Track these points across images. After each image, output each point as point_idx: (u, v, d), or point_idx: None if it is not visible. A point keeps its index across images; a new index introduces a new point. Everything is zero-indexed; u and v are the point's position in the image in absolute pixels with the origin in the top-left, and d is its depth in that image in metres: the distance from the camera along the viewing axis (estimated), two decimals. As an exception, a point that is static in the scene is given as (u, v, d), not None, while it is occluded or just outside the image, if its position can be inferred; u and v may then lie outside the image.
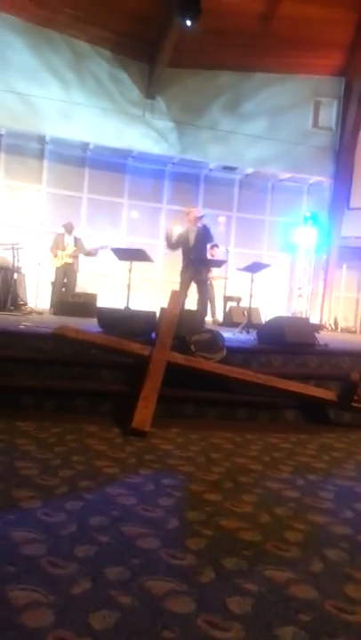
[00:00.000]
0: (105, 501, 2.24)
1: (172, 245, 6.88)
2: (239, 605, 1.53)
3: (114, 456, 2.86)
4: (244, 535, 2.00)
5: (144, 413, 3.40)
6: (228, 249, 10.00)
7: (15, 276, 7.02)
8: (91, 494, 2.30)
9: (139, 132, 10.13)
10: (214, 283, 9.15)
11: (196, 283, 6.80)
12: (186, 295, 6.81)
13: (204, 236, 6.81)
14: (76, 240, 8.73)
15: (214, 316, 9.06)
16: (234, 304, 9.09)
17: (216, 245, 9.51)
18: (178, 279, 6.83)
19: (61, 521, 2.00)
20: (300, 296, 11.38)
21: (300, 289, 11.41)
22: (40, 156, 10.41)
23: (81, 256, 8.74)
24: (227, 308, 9.15)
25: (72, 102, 9.62)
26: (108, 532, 1.92)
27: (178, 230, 6.97)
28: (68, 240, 8.65)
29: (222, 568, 1.74)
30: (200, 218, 6.78)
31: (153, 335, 4.56)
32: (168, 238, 6.83)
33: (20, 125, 9.43)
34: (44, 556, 1.71)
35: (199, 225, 6.76)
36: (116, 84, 9.97)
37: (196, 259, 6.76)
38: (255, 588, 1.63)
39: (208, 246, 9.16)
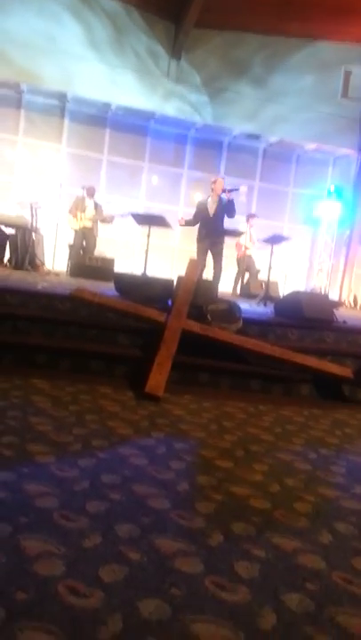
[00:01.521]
0: (117, 461, 2.26)
1: (190, 222, 6.77)
2: (246, 570, 1.54)
3: (127, 418, 2.88)
4: (254, 502, 2.01)
5: (158, 379, 3.41)
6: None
7: (33, 235, 6.99)
8: (103, 453, 2.32)
9: (162, 94, 9.86)
10: (248, 252, 9.06)
11: (213, 254, 6.68)
12: (204, 265, 6.70)
13: (228, 208, 6.62)
14: (97, 205, 8.63)
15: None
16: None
17: (255, 215, 9.38)
18: (193, 248, 6.73)
19: (74, 477, 2.02)
20: (320, 271, 11.21)
21: (320, 264, 11.23)
22: (61, 114, 10.21)
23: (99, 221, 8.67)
24: (244, 280, 9.07)
25: (95, 60, 9.36)
26: (119, 490, 1.95)
27: (197, 198, 6.82)
28: (89, 203, 8.55)
29: (231, 532, 1.76)
30: (229, 191, 6.55)
31: (169, 302, 4.53)
32: (185, 222, 6.66)
33: (42, 82, 9.23)
34: (57, 509, 1.74)
35: (224, 196, 6.59)
36: (142, 43, 9.67)
37: (215, 229, 6.61)
38: (263, 554, 1.64)
39: (245, 217, 9.08)
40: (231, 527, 1.79)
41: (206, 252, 6.64)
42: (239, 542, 1.70)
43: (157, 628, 1.24)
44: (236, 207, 6.64)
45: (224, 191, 6.55)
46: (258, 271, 9.04)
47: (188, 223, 6.68)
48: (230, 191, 6.52)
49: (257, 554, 1.64)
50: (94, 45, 9.39)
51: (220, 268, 6.66)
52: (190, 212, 7.00)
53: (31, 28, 8.91)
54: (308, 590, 1.48)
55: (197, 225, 6.65)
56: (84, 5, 9.22)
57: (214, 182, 6.70)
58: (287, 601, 1.41)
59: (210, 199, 6.61)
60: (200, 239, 6.67)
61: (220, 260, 6.65)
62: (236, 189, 6.59)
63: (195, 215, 6.69)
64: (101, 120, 10.42)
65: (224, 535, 1.73)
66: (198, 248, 6.67)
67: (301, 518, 1.93)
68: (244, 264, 9.09)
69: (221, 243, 6.68)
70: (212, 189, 6.65)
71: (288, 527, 1.85)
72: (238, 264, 9.14)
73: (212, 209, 6.55)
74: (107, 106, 10.01)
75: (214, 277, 6.56)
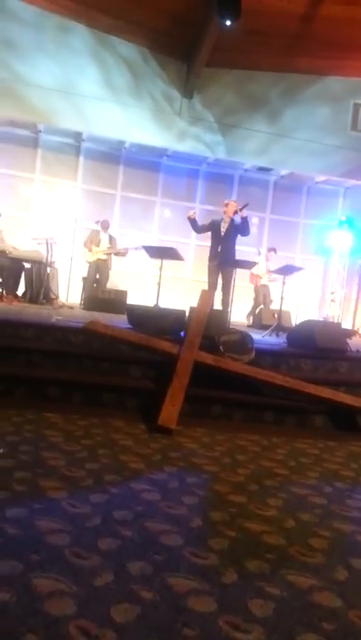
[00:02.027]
0: (129, 496, 2.25)
1: (198, 229, 6.84)
2: (261, 609, 1.51)
3: (139, 452, 2.87)
4: (268, 538, 1.98)
5: (170, 411, 3.40)
6: (261, 251, 9.93)
7: (48, 270, 7.12)
8: (116, 488, 2.31)
9: (174, 132, 10.14)
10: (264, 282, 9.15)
11: (223, 282, 6.72)
12: (215, 286, 6.70)
13: (241, 227, 6.67)
14: (111, 238, 8.82)
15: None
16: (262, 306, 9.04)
17: (274, 249, 9.54)
18: (207, 279, 6.80)
19: (86, 513, 2.01)
20: (332, 301, 11.19)
21: (332, 293, 11.23)
22: (76, 152, 10.54)
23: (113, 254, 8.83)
24: (256, 311, 9.09)
25: (109, 100, 9.69)
26: (131, 527, 1.93)
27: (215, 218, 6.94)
28: (103, 237, 8.74)
29: (245, 570, 1.72)
30: (241, 209, 6.63)
31: (182, 334, 4.55)
32: (192, 220, 6.70)
33: (58, 122, 9.56)
34: (69, 546, 1.73)
35: (236, 218, 6.68)
36: (154, 82, 10.00)
37: (225, 251, 6.67)
38: (278, 592, 1.61)
39: (259, 249, 9.19)
40: (245, 564, 1.76)
41: (218, 274, 6.69)
42: (253, 580, 1.67)
43: (169, 671, 1.21)
44: (250, 227, 6.72)
45: (236, 212, 6.65)
46: (271, 301, 9.08)
47: (195, 223, 6.76)
48: (242, 208, 6.61)
49: (271, 592, 1.60)
50: (109, 86, 9.73)
51: (229, 298, 6.70)
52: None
53: (48, 70, 9.28)
54: (324, 630, 1.44)
55: (203, 236, 6.88)
56: (100, 48, 9.60)
57: (226, 205, 6.85)
58: (303, 642, 1.38)
59: (222, 221, 6.73)
60: (211, 258, 6.76)
61: (229, 289, 6.69)
62: (247, 204, 6.69)
63: (205, 226, 6.81)
64: (115, 157, 10.73)
65: (238, 573, 1.70)
66: (209, 268, 6.75)
67: (317, 554, 1.89)
68: (261, 294, 9.15)
69: (231, 271, 6.73)
70: (225, 212, 6.78)
71: (303, 564, 1.81)
72: (255, 294, 9.20)
73: (223, 229, 6.67)
74: (121, 143, 10.31)
75: (223, 308, 6.59)
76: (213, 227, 6.77)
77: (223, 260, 6.60)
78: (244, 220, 6.62)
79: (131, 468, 2.59)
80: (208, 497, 2.39)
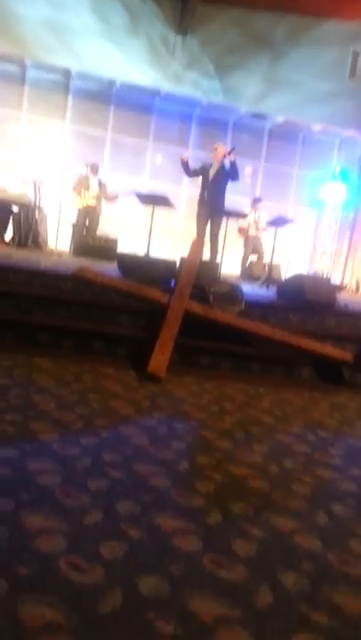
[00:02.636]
0: (119, 440, 2.29)
1: (189, 173, 6.74)
2: (244, 548, 1.57)
3: (129, 397, 2.90)
4: (253, 483, 2.04)
5: (160, 359, 3.43)
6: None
7: (36, 213, 6.95)
8: (105, 432, 2.35)
9: (167, 71, 9.66)
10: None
11: (210, 234, 6.63)
12: (205, 233, 6.65)
13: (231, 172, 6.55)
14: (101, 183, 8.57)
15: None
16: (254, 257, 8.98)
17: (260, 200, 9.30)
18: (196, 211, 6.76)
19: (76, 455, 2.05)
20: (323, 254, 11.15)
21: (323, 247, 11.17)
22: (65, 90, 10.07)
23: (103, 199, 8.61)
24: (247, 263, 9.04)
25: (100, 37, 9.16)
26: (120, 469, 1.98)
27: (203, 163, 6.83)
28: (93, 181, 8.49)
29: (229, 512, 1.79)
30: (229, 153, 6.51)
31: (172, 283, 4.53)
32: (184, 164, 6.60)
33: (46, 57, 9.06)
34: (59, 486, 1.77)
35: (226, 162, 6.55)
36: (147, 19, 9.42)
37: (213, 197, 6.55)
38: (260, 533, 1.67)
39: (250, 201, 9.03)
40: (230, 507, 1.82)
41: (207, 220, 6.62)
42: (237, 522, 1.73)
43: (156, 604, 1.27)
44: (238, 169, 6.60)
45: (225, 156, 6.52)
46: (263, 253, 9.00)
47: (187, 167, 6.67)
48: (230, 152, 6.49)
49: (255, 533, 1.66)
50: (100, 21, 9.16)
51: (217, 247, 6.65)
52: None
53: (37, 2, 8.70)
54: (303, 570, 1.51)
55: (194, 180, 6.79)
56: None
57: (215, 149, 6.72)
58: (283, 580, 1.44)
59: (211, 167, 6.62)
60: (199, 204, 6.70)
61: (217, 238, 6.63)
62: (234, 147, 6.58)
63: (196, 170, 6.73)
64: (106, 97, 10.27)
65: (222, 514, 1.76)
66: (198, 215, 6.68)
67: (299, 499, 1.96)
68: (251, 246, 9.05)
69: (220, 220, 6.64)
70: (214, 157, 6.66)
71: (285, 508, 1.88)
72: (245, 247, 9.11)
73: (211, 173, 6.57)
74: (111, 82, 9.86)
75: (211, 257, 6.55)
76: (203, 172, 6.64)
77: (211, 207, 6.52)
78: (233, 165, 6.48)
79: (120, 414, 2.63)
80: (195, 442, 2.45)
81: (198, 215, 6.68)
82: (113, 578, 1.34)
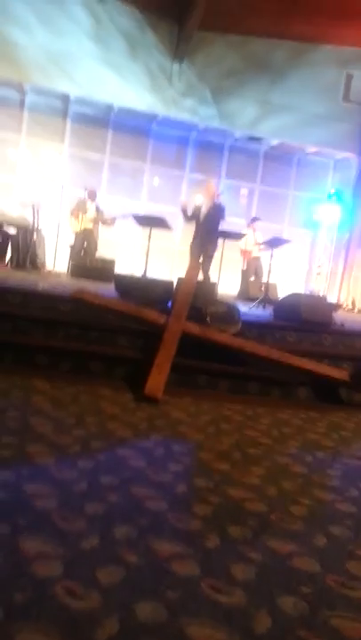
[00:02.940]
0: (116, 462, 2.28)
1: (187, 218, 7.10)
2: (242, 572, 1.56)
3: (126, 419, 2.90)
4: (251, 505, 2.03)
5: (157, 380, 3.43)
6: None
7: (35, 235, 7.01)
8: (102, 454, 2.34)
9: (164, 96, 9.89)
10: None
11: (203, 257, 6.94)
12: (199, 267, 6.88)
13: (216, 214, 6.88)
14: (98, 208, 8.68)
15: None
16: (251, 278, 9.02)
17: (257, 219, 9.41)
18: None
19: (73, 478, 2.04)
20: (318, 274, 11.23)
21: (319, 267, 11.25)
22: (63, 115, 10.23)
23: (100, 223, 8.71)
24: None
25: (98, 62, 9.38)
26: (117, 492, 1.97)
27: (198, 200, 7.05)
28: (90, 207, 8.60)
29: (227, 535, 1.77)
30: (218, 195, 6.85)
31: (169, 304, 4.55)
32: (183, 210, 7.04)
33: (45, 82, 9.24)
34: (55, 510, 1.76)
35: (215, 201, 6.85)
36: (144, 45, 9.68)
37: (206, 235, 6.93)
38: (259, 557, 1.66)
39: (247, 221, 9.26)
40: (228, 530, 1.81)
41: (199, 255, 6.84)
42: (235, 545, 1.72)
43: (153, 631, 1.25)
44: (224, 212, 7.00)
45: (214, 196, 6.86)
46: (262, 275, 9.03)
47: (185, 214, 7.03)
48: (218, 194, 6.84)
49: (253, 557, 1.65)
50: (98, 47, 9.41)
51: (209, 266, 6.87)
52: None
53: (36, 29, 8.93)
54: (302, 593, 1.49)
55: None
56: (90, 8, 9.24)
57: (207, 186, 7.03)
58: (282, 604, 1.43)
59: (204, 204, 6.90)
60: (192, 242, 7.02)
61: (209, 263, 6.89)
62: (221, 193, 7.08)
63: (193, 214, 7.04)
64: (104, 122, 10.45)
65: (220, 538, 1.75)
66: (190, 250, 6.94)
67: (297, 521, 1.95)
68: (253, 268, 9.05)
69: (213, 248, 6.91)
70: (206, 193, 7.01)
71: (284, 530, 1.87)
72: (247, 268, 9.12)
73: (203, 213, 6.83)
74: (109, 107, 10.04)
75: (204, 276, 6.73)
76: (197, 212, 6.97)
77: (204, 241, 6.81)
78: (219, 206, 6.92)
79: (117, 436, 2.62)
80: (193, 464, 2.44)
81: (192, 246, 7.05)
82: (110, 604, 1.33)
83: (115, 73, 9.47)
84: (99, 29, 9.39)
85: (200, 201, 7.03)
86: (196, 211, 6.94)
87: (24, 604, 1.28)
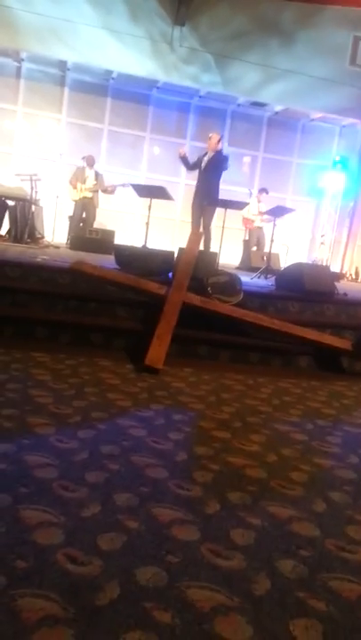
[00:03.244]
0: (116, 432, 2.29)
1: (188, 166, 6.94)
2: (242, 537, 1.58)
3: (126, 390, 2.90)
4: (250, 472, 2.05)
5: (157, 351, 3.42)
6: (252, 191, 9.69)
7: (33, 208, 6.92)
8: (103, 424, 2.35)
9: (165, 62, 9.57)
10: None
11: (203, 220, 6.77)
12: (199, 223, 6.76)
13: (218, 160, 6.70)
14: (97, 175, 8.53)
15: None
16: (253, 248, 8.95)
17: (265, 190, 9.29)
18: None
19: (73, 448, 2.05)
20: (322, 243, 11.11)
21: (322, 236, 11.12)
22: (61, 83, 9.99)
23: (100, 191, 8.58)
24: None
25: (96, 27, 9.07)
26: (118, 461, 1.98)
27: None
28: (89, 174, 8.45)
29: (227, 501, 1.79)
30: (219, 141, 6.71)
31: (170, 275, 4.51)
32: (183, 158, 6.83)
33: (41, 49, 8.97)
34: (56, 479, 1.77)
35: (218, 150, 6.71)
36: (144, 9, 9.35)
37: (204, 188, 6.69)
38: (258, 522, 1.68)
39: (255, 191, 9.11)
40: (228, 496, 1.82)
41: (199, 210, 6.76)
42: (235, 510, 1.73)
43: (154, 595, 1.27)
44: (227, 161, 6.83)
45: (219, 141, 6.74)
46: (264, 245, 8.97)
47: (186, 161, 6.88)
48: (219, 141, 6.76)
49: (252, 522, 1.67)
50: (95, 11, 9.09)
51: (209, 236, 6.74)
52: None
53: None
54: (301, 557, 1.51)
55: (193, 175, 6.99)
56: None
57: (210, 138, 6.84)
58: (281, 567, 1.45)
59: (205, 155, 6.80)
60: (195, 193, 6.89)
61: (209, 228, 6.76)
62: (222, 137, 6.90)
63: (195, 162, 6.90)
64: (102, 89, 10.20)
65: (220, 504, 1.76)
66: (192, 204, 6.88)
67: (297, 487, 1.97)
68: (255, 237, 9.00)
69: (212, 210, 6.76)
70: (209, 145, 6.88)
71: (283, 496, 1.88)
72: (249, 237, 9.05)
73: (204, 162, 6.72)
74: (108, 73, 9.78)
75: (204, 247, 6.61)
76: (199, 161, 6.75)
77: (203, 195, 6.62)
78: (221, 153, 6.72)
79: (118, 406, 2.63)
80: (193, 433, 2.45)
81: (193, 204, 6.79)
82: (111, 569, 1.34)
83: (114, 38, 9.15)
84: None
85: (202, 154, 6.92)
86: (197, 160, 6.84)
87: (26, 571, 1.29)
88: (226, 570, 1.41)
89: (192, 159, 6.95)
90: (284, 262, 8.55)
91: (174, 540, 1.51)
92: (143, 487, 1.80)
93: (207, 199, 6.61)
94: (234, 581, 1.36)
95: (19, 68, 9.72)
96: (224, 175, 6.98)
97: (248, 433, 2.49)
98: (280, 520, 1.70)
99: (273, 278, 5.99)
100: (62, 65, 9.63)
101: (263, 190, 9.37)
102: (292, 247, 10.41)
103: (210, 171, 6.69)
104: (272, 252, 7.31)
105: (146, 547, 1.46)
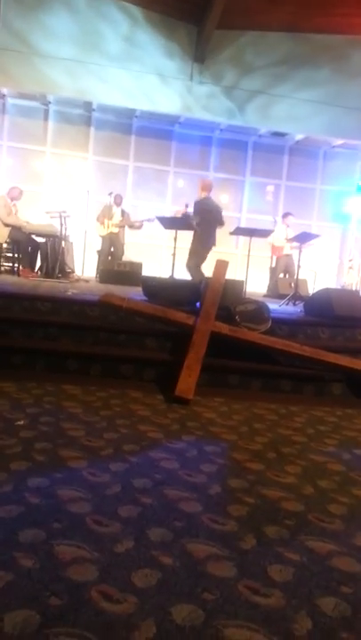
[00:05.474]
0: (148, 465, 2.27)
1: (196, 219, 7.14)
2: (280, 573, 1.52)
3: (157, 421, 2.89)
4: (287, 505, 1.99)
5: (187, 382, 3.41)
6: (277, 219, 9.73)
7: (63, 244, 7.11)
8: (135, 457, 2.34)
9: (186, 98, 9.87)
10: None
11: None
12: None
13: (217, 205, 7.04)
14: (124, 212, 8.77)
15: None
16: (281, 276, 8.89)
17: (290, 214, 9.27)
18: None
19: (106, 481, 2.04)
20: (350, 268, 11.00)
21: (350, 261, 11.02)
22: (87, 123, 10.39)
23: (127, 227, 8.78)
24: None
25: (119, 68, 9.45)
26: (150, 494, 1.96)
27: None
28: (116, 211, 8.68)
29: (263, 536, 1.74)
30: (202, 189, 7.07)
31: (198, 305, 4.53)
32: (187, 216, 7.19)
33: (68, 93, 9.37)
34: (89, 514, 1.76)
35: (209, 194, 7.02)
36: (164, 47, 9.70)
37: (212, 228, 6.96)
38: (297, 557, 1.62)
39: (279, 218, 9.21)
40: (264, 530, 1.77)
41: (209, 249, 7.08)
42: (272, 545, 1.68)
43: (190, 633, 1.23)
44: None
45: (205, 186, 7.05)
46: (294, 272, 8.87)
47: (191, 217, 7.13)
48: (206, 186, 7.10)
49: (290, 557, 1.61)
50: (117, 53, 9.48)
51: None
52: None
53: (56, 39, 9.05)
54: (343, 594, 1.45)
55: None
56: (106, 14, 9.32)
57: (201, 184, 7.28)
58: (322, 605, 1.39)
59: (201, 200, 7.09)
60: (205, 238, 7.12)
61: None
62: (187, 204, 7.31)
63: (195, 213, 7.18)
64: (126, 127, 10.55)
65: (257, 539, 1.71)
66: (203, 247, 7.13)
67: (336, 520, 1.90)
68: (283, 265, 8.87)
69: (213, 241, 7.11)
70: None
71: (322, 530, 1.82)
72: (277, 265, 8.96)
73: (206, 206, 7.03)
74: (131, 112, 10.11)
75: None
76: (202, 209, 7.08)
77: (212, 234, 7.02)
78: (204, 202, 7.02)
79: (149, 438, 2.61)
80: (226, 465, 2.41)
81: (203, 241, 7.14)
82: (146, 607, 1.31)
83: (134, 78, 9.51)
84: (116, 35, 9.45)
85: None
86: (199, 207, 6.98)
87: (60, 609, 1.28)
88: (264, 608, 1.36)
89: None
90: (313, 288, 8.47)
91: (210, 577, 1.47)
92: (177, 522, 1.77)
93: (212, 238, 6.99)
94: (273, 620, 1.31)
95: (46, 111, 10.16)
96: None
97: (283, 464, 2.43)
98: (319, 555, 1.64)
99: (301, 304, 5.93)
100: (88, 106, 10.03)
101: (288, 214, 9.26)
102: (320, 273, 10.34)
103: (215, 212, 7.05)
104: (299, 278, 7.27)
105: (181, 583, 1.43)
